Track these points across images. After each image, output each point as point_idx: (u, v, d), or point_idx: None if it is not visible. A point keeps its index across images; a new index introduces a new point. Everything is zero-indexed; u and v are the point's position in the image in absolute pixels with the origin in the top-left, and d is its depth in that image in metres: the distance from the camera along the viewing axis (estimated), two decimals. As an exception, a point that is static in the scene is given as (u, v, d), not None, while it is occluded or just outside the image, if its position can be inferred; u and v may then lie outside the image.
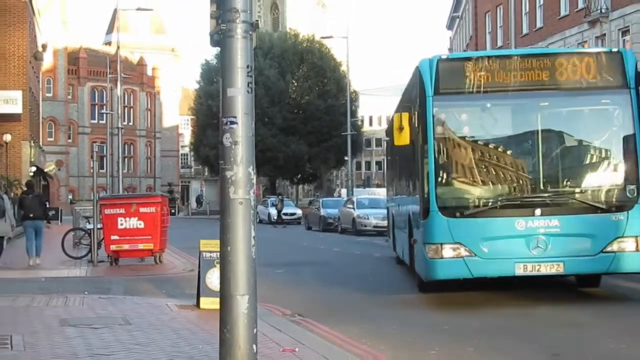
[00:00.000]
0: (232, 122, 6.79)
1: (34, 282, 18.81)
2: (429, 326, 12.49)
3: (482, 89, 14.12)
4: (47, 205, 24.67)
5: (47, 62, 77.14)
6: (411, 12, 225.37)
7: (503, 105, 14.69)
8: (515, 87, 14.25)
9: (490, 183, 14.20)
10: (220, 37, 6.90)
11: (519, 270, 13.69)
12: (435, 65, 14.18)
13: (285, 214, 59.06)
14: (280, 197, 61.12)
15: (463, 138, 14.30)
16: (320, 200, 52.75)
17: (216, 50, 7.09)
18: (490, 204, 13.88)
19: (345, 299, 15.79)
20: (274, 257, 24.45)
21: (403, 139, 14.43)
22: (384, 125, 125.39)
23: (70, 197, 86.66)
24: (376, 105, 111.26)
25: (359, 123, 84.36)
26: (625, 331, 11.67)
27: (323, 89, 77.96)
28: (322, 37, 75.00)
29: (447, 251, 13.66)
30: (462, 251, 13.65)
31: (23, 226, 23.42)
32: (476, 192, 14.01)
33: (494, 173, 14.28)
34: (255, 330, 6.80)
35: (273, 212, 59.28)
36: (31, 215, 22.62)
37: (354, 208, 42.94)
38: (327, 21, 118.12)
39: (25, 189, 25.56)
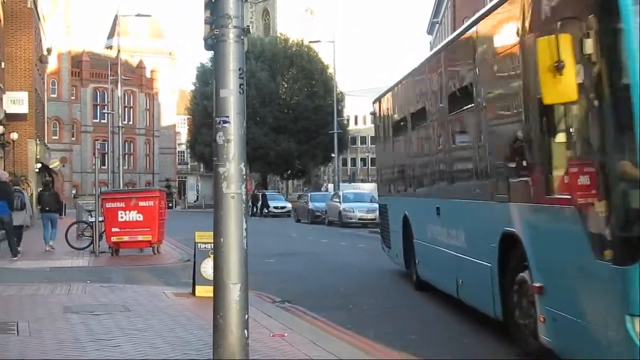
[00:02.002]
0: (225, 122, 6.77)
1: (40, 272, 18.74)
2: (411, 313, 12.52)
3: None
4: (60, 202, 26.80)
5: (52, 64, 76.81)
6: (394, 18, 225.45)
7: None
8: None
9: None
10: (214, 42, 6.88)
11: None
12: None
13: (277, 207, 59.53)
14: None
15: None
16: (309, 195, 52.97)
17: (211, 53, 7.09)
18: None
19: (332, 287, 15.77)
20: (265, 248, 24.44)
21: (566, 90, 6.64)
22: (369, 124, 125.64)
23: (74, 192, 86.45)
24: (361, 106, 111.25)
25: (345, 122, 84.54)
26: None
27: (311, 90, 78.18)
28: (311, 42, 75.18)
29: None
30: None
31: (41, 217, 25.66)
32: None
33: None
34: (246, 317, 6.78)
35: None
36: (47, 208, 25.14)
37: (340, 202, 43.05)
38: (315, 27, 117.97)
39: (42, 187, 28.96)
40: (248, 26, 6.98)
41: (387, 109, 17.93)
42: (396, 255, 16.60)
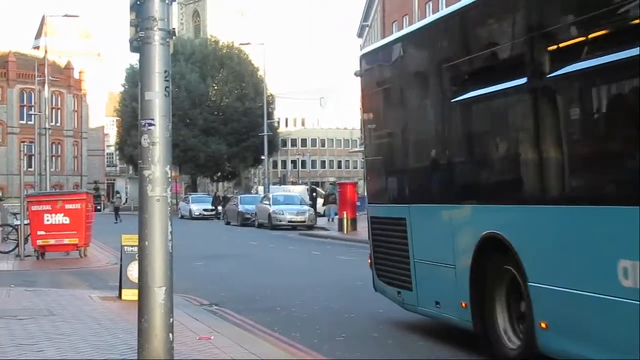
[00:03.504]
0: (150, 124, 6.74)
1: (-38, 276, 18.41)
2: (338, 313, 12.58)
3: None
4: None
5: (-23, 64, 75.45)
6: (325, 20, 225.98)
7: None
8: None
9: None
10: (139, 44, 6.84)
11: None
12: None
13: (206, 210, 59.31)
14: (118, 194, 64.20)
15: None
16: (239, 197, 52.76)
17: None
18: None
19: (261, 290, 15.76)
20: (194, 251, 24.35)
21: None
22: (299, 126, 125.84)
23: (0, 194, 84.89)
24: (291, 108, 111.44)
25: (275, 124, 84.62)
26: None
27: (241, 92, 78.25)
28: (241, 44, 75.25)
29: None
30: None
31: None
32: None
33: None
34: (171, 320, 6.75)
35: (194, 207, 59.60)
36: None
37: (270, 204, 43.01)
38: (246, 28, 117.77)
39: None
40: (174, 28, 6.94)
41: (417, 61, 10.98)
42: (435, 304, 9.88)
